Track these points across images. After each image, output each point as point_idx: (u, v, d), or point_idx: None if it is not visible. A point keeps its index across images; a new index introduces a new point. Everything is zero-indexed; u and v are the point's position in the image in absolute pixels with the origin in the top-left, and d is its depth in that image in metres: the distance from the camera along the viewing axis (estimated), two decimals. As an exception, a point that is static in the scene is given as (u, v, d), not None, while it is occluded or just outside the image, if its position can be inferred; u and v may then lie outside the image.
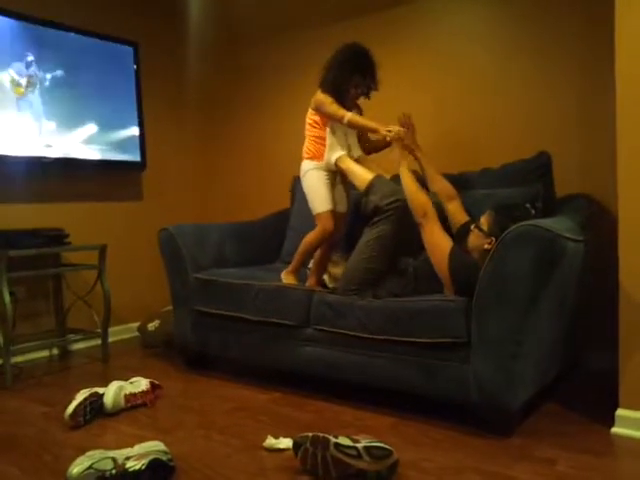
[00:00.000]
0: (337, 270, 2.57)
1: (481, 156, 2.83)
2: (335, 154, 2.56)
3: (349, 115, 2.48)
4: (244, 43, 3.84)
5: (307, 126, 2.67)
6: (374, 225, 2.31)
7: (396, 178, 2.42)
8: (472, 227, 2.20)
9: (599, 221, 2.38)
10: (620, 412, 1.95)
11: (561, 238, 1.87)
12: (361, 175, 2.46)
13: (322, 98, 2.55)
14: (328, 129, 2.58)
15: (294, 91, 3.58)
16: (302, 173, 2.66)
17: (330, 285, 2.58)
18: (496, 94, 2.88)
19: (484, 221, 2.15)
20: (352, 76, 2.51)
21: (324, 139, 2.60)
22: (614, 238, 1.94)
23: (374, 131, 2.46)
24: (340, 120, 2.49)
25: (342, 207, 2.70)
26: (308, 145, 2.66)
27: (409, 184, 2.27)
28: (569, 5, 2.65)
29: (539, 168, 2.50)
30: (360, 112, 2.68)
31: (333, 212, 2.58)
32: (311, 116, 2.64)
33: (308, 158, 2.64)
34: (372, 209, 2.34)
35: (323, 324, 2.34)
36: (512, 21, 2.83)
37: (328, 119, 2.57)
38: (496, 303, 1.91)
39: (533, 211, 2.10)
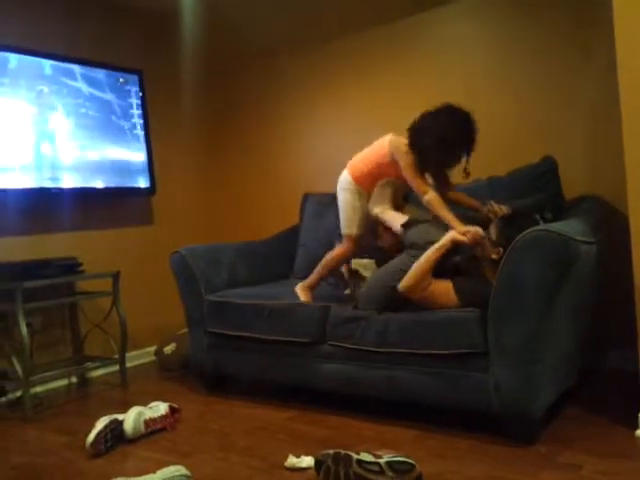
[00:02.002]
0: (367, 273, 2.57)
1: (487, 161, 2.79)
2: (379, 207, 2.47)
3: (432, 195, 2.30)
4: (249, 62, 3.89)
5: (375, 154, 2.50)
6: (412, 256, 2.23)
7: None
8: (483, 236, 2.19)
9: (612, 221, 2.36)
10: (644, 414, 1.92)
11: (573, 241, 1.86)
12: (396, 218, 2.40)
13: (409, 160, 2.36)
14: (382, 182, 2.47)
15: (302, 109, 3.61)
16: (340, 185, 2.58)
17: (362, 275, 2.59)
18: (501, 97, 2.89)
19: (492, 231, 2.15)
20: (460, 157, 2.33)
21: (377, 179, 2.49)
22: (627, 237, 1.93)
23: (451, 226, 2.22)
24: (420, 194, 2.34)
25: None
26: (363, 168, 2.52)
27: (428, 260, 2.14)
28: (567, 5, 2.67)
29: (545, 174, 2.50)
30: (449, 181, 2.54)
31: (359, 236, 2.55)
32: (385, 152, 2.45)
33: (354, 178, 2.53)
34: (410, 244, 2.30)
35: (340, 340, 2.34)
36: (515, 23, 2.85)
37: (399, 177, 2.43)
38: (512, 310, 1.90)
39: (542, 222, 2.07)
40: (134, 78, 3.58)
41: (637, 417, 1.93)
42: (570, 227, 1.95)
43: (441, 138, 2.27)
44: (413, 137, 2.37)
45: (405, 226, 2.34)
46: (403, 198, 2.55)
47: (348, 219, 2.56)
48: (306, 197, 3.39)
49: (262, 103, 3.85)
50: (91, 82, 3.37)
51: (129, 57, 3.65)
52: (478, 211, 2.41)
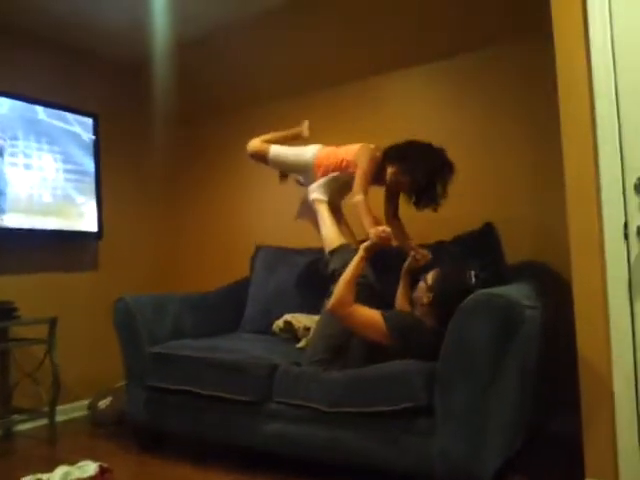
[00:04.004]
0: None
1: (435, 223, 2.81)
2: (317, 195, 2.61)
3: (362, 199, 2.40)
4: (206, 114, 3.90)
5: (344, 151, 2.61)
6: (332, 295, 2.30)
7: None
8: (421, 277, 2.25)
9: (556, 288, 2.42)
10: (587, 483, 1.92)
11: (518, 305, 1.89)
12: (331, 237, 2.50)
13: (369, 166, 2.46)
14: (335, 175, 2.59)
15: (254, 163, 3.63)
16: (302, 153, 2.73)
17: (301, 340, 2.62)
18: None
19: (430, 277, 2.20)
20: (423, 192, 2.41)
21: (331, 171, 2.60)
22: (570, 304, 1.97)
23: (366, 229, 2.33)
24: (353, 193, 2.44)
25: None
26: (327, 158, 2.63)
27: (348, 274, 2.21)
28: (514, 69, 2.81)
29: (485, 239, 2.55)
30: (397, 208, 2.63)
31: (270, 162, 2.84)
32: (355, 150, 2.56)
33: (315, 164, 2.65)
34: (331, 271, 2.40)
35: (286, 397, 2.27)
36: (459, 90, 2.98)
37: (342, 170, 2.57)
38: (458, 372, 1.89)
39: (474, 280, 2.08)
40: (89, 121, 3.54)
41: (581, 485, 1.93)
42: (515, 291, 1.99)
43: (422, 169, 2.37)
44: (397, 155, 2.45)
45: (332, 253, 2.45)
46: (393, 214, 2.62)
47: (285, 161, 2.79)
48: (258, 249, 3.36)
49: (217, 155, 3.85)
50: (47, 123, 3.32)
51: (87, 100, 3.62)
52: (404, 249, 2.51)
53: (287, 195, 3.23)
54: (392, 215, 2.63)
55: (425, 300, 2.15)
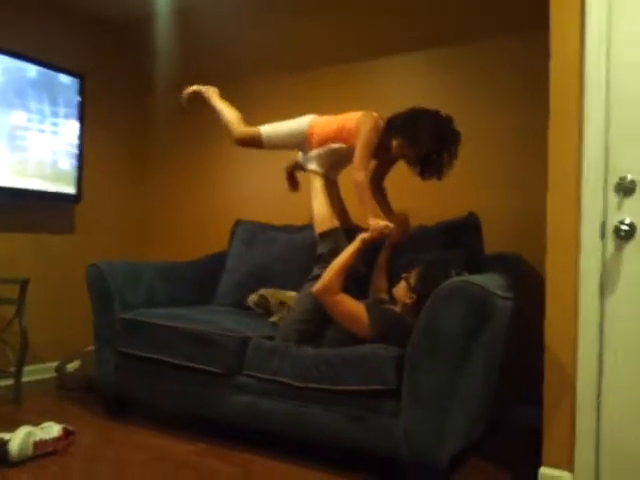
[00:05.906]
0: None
1: (419, 208, 2.79)
2: (314, 166, 2.47)
3: (365, 178, 2.27)
4: (193, 82, 3.83)
5: (344, 118, 2.44)
6: (314, 280, 2.29)
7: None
8: (402, 276, 2.24)
9: (528, 280, 2.45)
10: (543, 470, 1.96)
11: (491, 295, 1.91)
12: (322, 217, 2.40)
13: (370, 136, 2.29)
14: (335, 146, 2.43)
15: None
16: (296, 124, 2.55)
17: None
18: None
19: (413, 275, 2.19)
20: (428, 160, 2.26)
21: (328, 142, 2.45)
22: (542, 297, 2.00)
23: (366, 214, 2.24)
24: (355, 170, 2.28)
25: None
26: (325, 128, 2.46)
27: (340, 262, 2.18)
28: (506, 63, 2.82)
29: (468, 229, 2.57)
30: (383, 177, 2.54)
31: (259, 138, 2.59)
32: (356, 118, 2.38)
33: (309, 133, 2.48)
34: (317, 255, 2.36)
35: (256, 371, 2.27)
36: (449, 78, 2.98)
37: (352, 145, 2.36)
38: (427, 357, 1.91)
39: (455, 278, 2.07)
40: (75, 81, 3.47)
41: (536, 473, 1.97)
42: (489, 281, 2.00)
43: (426, 132, 2.23)
44: (402, 125, 2.29)
45: (321, 235, 2.37)
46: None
47: (280, 138, 2.56)
48: (238, 223, 3.34)
49: (203, 125, 3.78)
50: (32, 79, 3.24)
51: (73, 61, 3.53)
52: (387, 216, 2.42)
53: (271, 171, 3.21)
54: (377, 183, 2.52)
55: (408, 301, 2.15)
